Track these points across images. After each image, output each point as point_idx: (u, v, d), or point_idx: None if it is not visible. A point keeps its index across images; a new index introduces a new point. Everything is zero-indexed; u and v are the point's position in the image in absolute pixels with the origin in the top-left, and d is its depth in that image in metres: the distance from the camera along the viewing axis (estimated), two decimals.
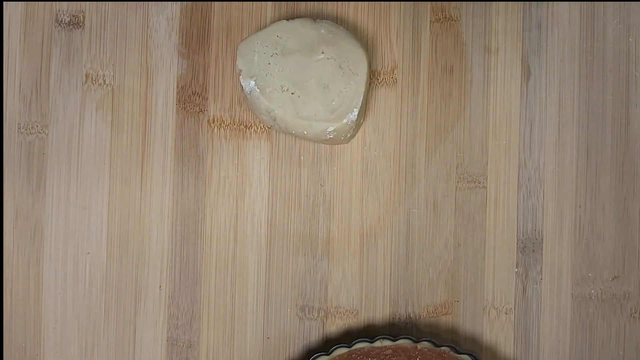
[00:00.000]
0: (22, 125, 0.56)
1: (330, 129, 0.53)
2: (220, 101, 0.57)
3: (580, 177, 0.57)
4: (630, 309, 0.57)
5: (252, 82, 0.53)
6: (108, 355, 0.56)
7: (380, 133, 0.57)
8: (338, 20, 0.57)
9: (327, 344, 0.56)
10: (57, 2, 0.56)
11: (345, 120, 0.53)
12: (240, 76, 0.53)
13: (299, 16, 0.57)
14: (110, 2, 0.56)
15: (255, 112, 0.54)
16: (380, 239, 0.56)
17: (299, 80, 0.54)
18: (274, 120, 0.54)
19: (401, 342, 0.54)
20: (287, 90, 0.53)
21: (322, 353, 0.54)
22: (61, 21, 0.56)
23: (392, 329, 0.56)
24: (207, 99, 0.57)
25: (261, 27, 0.56)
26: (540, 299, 0.56)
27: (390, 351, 0.53)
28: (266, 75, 0.53)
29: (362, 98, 0.54)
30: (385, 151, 0.57)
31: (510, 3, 0.57)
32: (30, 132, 0.56)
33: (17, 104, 0.56)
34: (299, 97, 0.53)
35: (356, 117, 0.54)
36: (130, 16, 0.56)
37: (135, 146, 0.56)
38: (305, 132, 0.54)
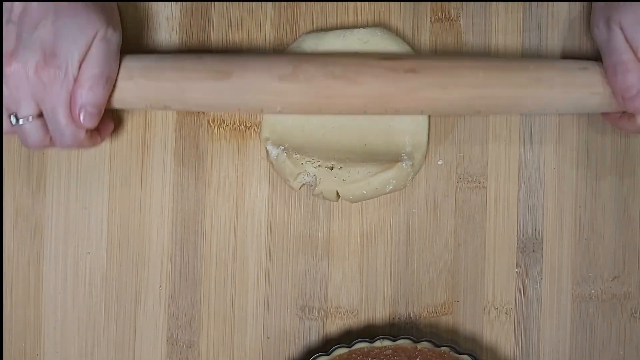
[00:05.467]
0: None
1: (390, 174, 0.53)
2: None
3: (580, 177, 0.57)
4: (631, 309, 0.57)
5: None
6: (108, 355, 0.56)
7: None
8: (338, 21, 0.57)
9: (327, 344, 0.56)
10: None
11: (404, 166, 0.53)
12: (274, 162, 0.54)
13: (298, 19, 0.57)
14: None
15: (283, 176, 0.55)
16: (380, 239, 0.56)
17: (338, 154, 0.54)
18: (321, 194, 0.54)
19: (401, 342, 0.54)
20: (328, 166, 0.54)
21: (322, 353, 0.54)
22: None
23: (392, 329, 0.56)
24: None
25: (261, 28, 0.56)
26: (540, 299, 0.56)
27: (390, 351, 0.53)
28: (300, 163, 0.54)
29: (425, 140, 0.54)
30: None
31: (510, 3, 0.57)
32: None
33: None
34: (340, 168, 0.54)
35: (422, 159, 0.54)
36: (130, 16, 0.56)
37: (135, 146, 0.56)
38: (365, 192, 0.54)
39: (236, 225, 0.56)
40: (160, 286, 0.56)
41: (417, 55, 0.51)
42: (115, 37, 0.49)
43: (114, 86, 0.50)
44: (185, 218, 0.56)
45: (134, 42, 0.56)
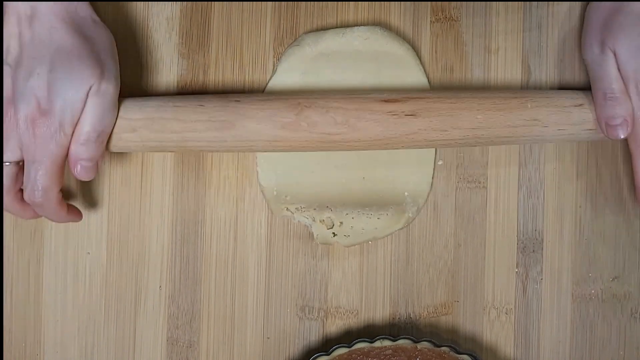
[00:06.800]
0: None
1: (399, 226, 0.55)
2: None
3: (580, 177, 0.57)
4: (631, 309, 0.57)
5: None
6: (108, 355, 0.56)
7: None
8: (338, 21, 0.57)
9: (327, 344, 0.56)
10: None
11: (410, 215, 0.55)
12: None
13: (298, 19, 0.57)
14: (110, 2, 0.56)
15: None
16: (380, 239, 0.56)
17: (333, 204, 0.55)
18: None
19: (401, 342, 0.54)
20: (322, 220, 0.55)
21: (322, 353, 0.54)
22: None
23: (392, 329, 0.56)
24: None
25: (261, 28, 0.56)
26: (540, 299, 0.56)
27: (390, 351, 0.53)
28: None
29: (428, 189, 0.55)
30: None
31: (510, 3, 0.57)
32: None
33: None
34: (340, 224, 0.54)
35: (425, 201, 0.55)
36: (130, 16, 0.56)
37: None
38: (371, 242, 0.55)
39: (236, 225, 0.56)
40: (160, 286, 0.56)
41: (417, 93, 0.52)
42: (110, 89, 0.48)
43: (116, 137, 0.50)
44: (185, 218, 0.56)
45: (134, 44, 0.56)
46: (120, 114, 0.50)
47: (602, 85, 0.50)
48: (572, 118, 0.51)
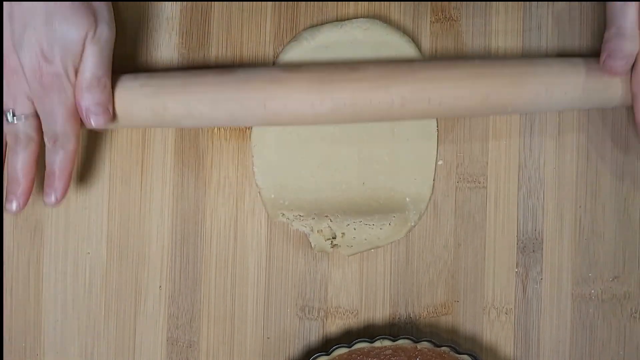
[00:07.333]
0: None
1: (400, 236, 0.55)
2: None
3: (580, 177, 0.57)
4: (631, 309, 0.57)
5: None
6: (108, 355, 0.56)
7: None
8: (338, 20, 0.57)
9: (327, 344, 0.56)
10: None
11: (412, 224, 0.55)
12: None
13: (298, 19, 0.57)
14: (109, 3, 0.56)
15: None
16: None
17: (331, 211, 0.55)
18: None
19: (401, 342, 0.54)
20: (320, 230, 0.55)
21: (322, 353, 0.54)
22: None
23: (392, 329, 0.56)
24: None
25: (261, 28, 0.56)
26: (540, 299, 0.56)
27: (390, 351, 0.53)
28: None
29: (429, 193, 0.55)
30: None
31: (510, 3, 0.57)
32: None
33: None
34: (343, 235, 0.54)
35: (426, 207, 0.55)
36: (130, 17, 0.56)
37: (135, 146, 0.56)
38: (373, 251, 0.55)
39: (236, 225, 0.56)
40: (160, 286, 0.56)
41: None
42: (105, 34, 0.49)
43: (117, 89, 0.50)
44: (185, 218, 0.56)
45: (134, 43, 0.56)
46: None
47: (617, 20, 0.50)
48: (573, 63, 0.52)
